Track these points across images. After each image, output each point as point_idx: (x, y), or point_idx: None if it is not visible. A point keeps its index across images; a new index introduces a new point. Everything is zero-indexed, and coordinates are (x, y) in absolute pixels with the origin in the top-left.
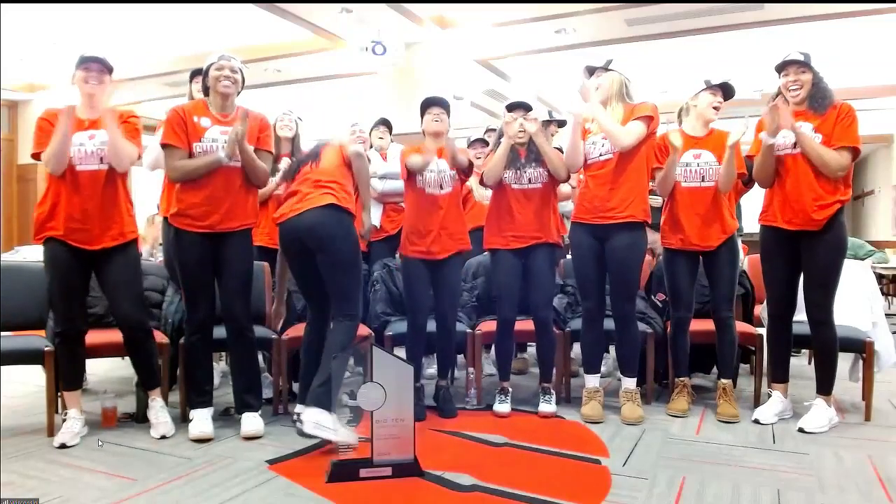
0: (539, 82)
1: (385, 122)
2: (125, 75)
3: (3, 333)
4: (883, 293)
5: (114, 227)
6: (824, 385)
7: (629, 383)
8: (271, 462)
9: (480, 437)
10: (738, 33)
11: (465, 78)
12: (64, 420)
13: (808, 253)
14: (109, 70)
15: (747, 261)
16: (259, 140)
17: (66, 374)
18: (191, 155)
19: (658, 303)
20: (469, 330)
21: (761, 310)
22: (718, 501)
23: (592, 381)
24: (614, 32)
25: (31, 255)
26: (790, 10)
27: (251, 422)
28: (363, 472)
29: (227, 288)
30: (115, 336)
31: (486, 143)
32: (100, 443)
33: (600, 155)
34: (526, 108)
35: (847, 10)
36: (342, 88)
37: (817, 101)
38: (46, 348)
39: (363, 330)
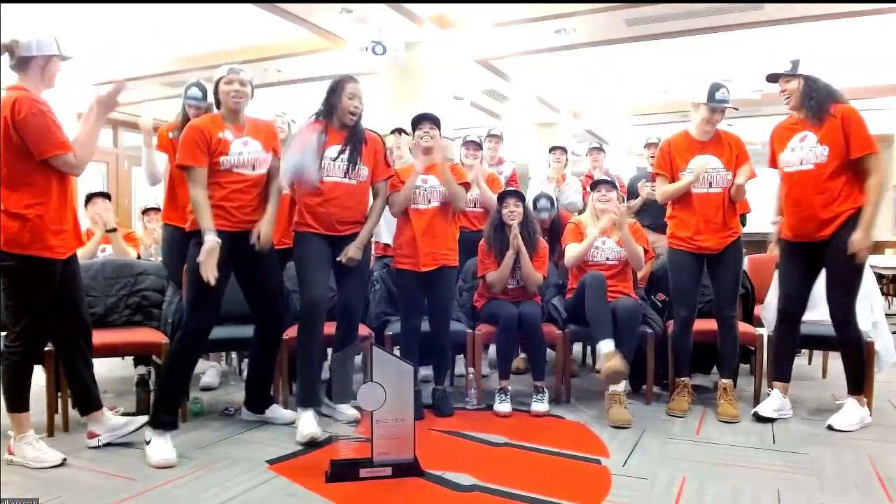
0: (539, 82)
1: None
2: (125, 75)
3: (3, 333)
4: (883, 293)
5: (77, 233)
6: (854, 384)
7: (606, 346)
8: (271, 462)
9: (480, 437)
10: (738, 33)
11: (465, 78)
12: (26, 443)
13: (830, 253)
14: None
15: (747, 261)
16: (274, 149)
17: (20, 393)
18: (214, 169)
19: (658, 303)
20: (469, 330)
21: (761, 309)
22: (718, 501)
23: (606, 345)
24: (614, 32)
25: None
26: (790, 10)
27: (287, 412)
28: (363, 472)
29: (267, 286)
30: (115, 336)
31: (479, 146)
32: (100, 443)
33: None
34: (519, 196)
35: (847, 10)
36: None
37: (812, 110)
38: (47, 348)
39: (363, 330)
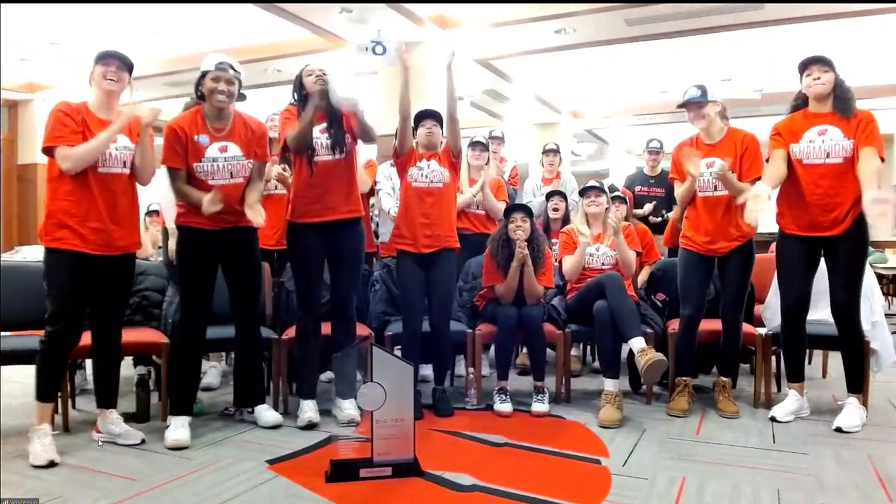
0: (539, 82)
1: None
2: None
3: (3, 333)
4: (883, 293)
5: (132, 235)
6: (854, 384)
7: (611, 385)
8: (271, 462)
9: (480, 437)
10: (738, 33)
11: (465, 78)
12: (36, 436)
13: (832, 252)
14: (129, 68)
15: None
16: (256, 154)
17: (48, 382)
18: (191, 174)
19: (658, 303)
20: (468, 330)
21: (762, 309)
22: (718, 501)
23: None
24: (614, 32)
25: (32, 254)
26: (790, 10)
27: (271, 414)
28: (363, 472)
29: (248, 288)
30: None
31: (486, 147)
32: (100, 443)
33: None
34: (526, 210)
35: (847, 10)
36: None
37: (843, 104)
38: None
39: (363, 330)
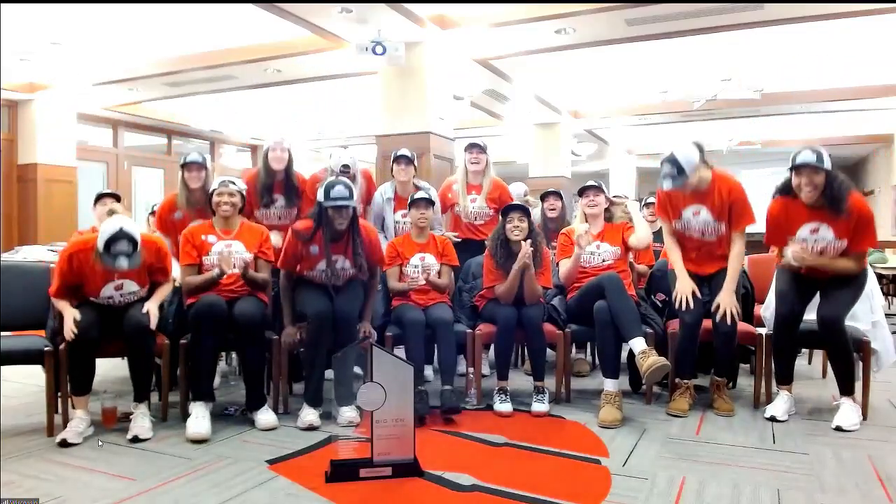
0: (539, 82)
1: (405, 158)
2: (125, 75)
3: (3, 333)
4: (883, 293)
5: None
6: (845, 386)
7: (611, 385)
8: (271, 462)
9: (480, 437)
10: (738, 33)
11: (465, 78)
12: (70, 419)
13: (827, 285)
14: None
15: (747, 261)
16: (259, 252)
17: (74, 379)
18: (201, 266)
19: (658, 303)
20: (469, 330)
21: (762, 309)
22: (718, 501)
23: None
24: (614, 32)
25: (32, 255)
26: (790, 10)
27: (267, 416)
28: (363, 472)
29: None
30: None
31: (483, 150)
32: (100, 443)
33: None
34: (524, 210)
35: (847, 10)
36: (342, 88)
37: (835, 204)
38: (46, 348)
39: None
